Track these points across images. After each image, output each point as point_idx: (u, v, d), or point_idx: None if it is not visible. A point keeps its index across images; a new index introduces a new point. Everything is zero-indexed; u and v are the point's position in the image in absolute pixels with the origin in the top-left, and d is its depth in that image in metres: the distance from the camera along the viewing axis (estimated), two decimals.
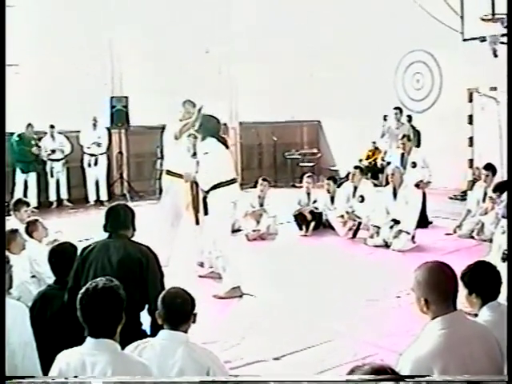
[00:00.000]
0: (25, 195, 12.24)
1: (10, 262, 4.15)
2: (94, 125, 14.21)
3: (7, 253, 4.61)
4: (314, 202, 11.20)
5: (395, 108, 14.29)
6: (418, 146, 13.18)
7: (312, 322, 6.58)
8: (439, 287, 3.20)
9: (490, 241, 8.44)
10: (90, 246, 4.83)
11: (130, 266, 4.64)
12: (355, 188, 10.86)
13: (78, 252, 4.84)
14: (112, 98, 14.70)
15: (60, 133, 13.98)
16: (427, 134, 14.17)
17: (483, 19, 11.08)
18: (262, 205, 11.01)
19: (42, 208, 12.79)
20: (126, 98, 14.77)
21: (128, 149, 15.40)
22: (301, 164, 17.26)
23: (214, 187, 7.41)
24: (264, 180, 11.26)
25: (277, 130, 17.54)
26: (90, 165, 14.28)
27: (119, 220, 4.90)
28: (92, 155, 14.26)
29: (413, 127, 14.19)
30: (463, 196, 12.91)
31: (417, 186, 10.76)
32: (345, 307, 7.03)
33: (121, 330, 3.42)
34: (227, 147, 7.82)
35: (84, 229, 9.66)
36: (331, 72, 16.80)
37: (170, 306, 3.72)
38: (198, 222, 8.35)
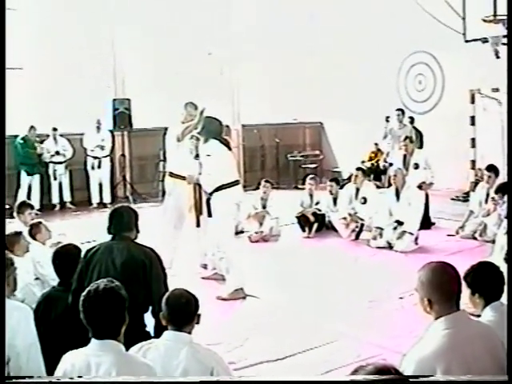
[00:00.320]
0: (28, 198, 12.25)
1: (14, 264, 4.16)
2: (98, 128, 14.24)
3: (11, 255, 4.61)
4: (317, 203, 11.20)
5: (397, 109, 14.28)
6: (421, 147, 13.17)
7: (315, 323, 6.58)
8: (442, 287, 3.21)
9: (493, 242, 8.45)
10: (93, 248, 4.85)
11: (133, 268, 4.66)
12: (358, 189, 10.86)
13: (82, 254, 4.86)
14: (114, 100, 14.71)
15: (62, 135, 14.00)
16: (429, 135, 14.15)
17: (485, 20, 11.09)
18: (264, 207, 11.02)
19: (45, 210, 12.78)
20: (129, 100, 14.78)
21: (131, 151, 15.42)
22: (303, 166, 17.27)
23: (217, 189, 7.43)
24: (267, 182, 11.27)
25: (279, 131, 17.56)
26: (93, 167, 14.32)
27: (123, 222, 4.91)
28: (95, 158, 14.29)
29: (415, 128, 14.17)
30: (466, 197, 12.90)
31: (419, 187, 10.76)
32: (348, 308, 7.04)
33: (125, 331, 3.43)
34: (230, 149, 7.84)
35: (87, 231, 9.68)
36: (333, 74, 16.81)
37: (174, 307, 3.74)
38: (198, 225, 8.36)
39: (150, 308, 4.67)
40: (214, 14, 16.55)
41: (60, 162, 13.94)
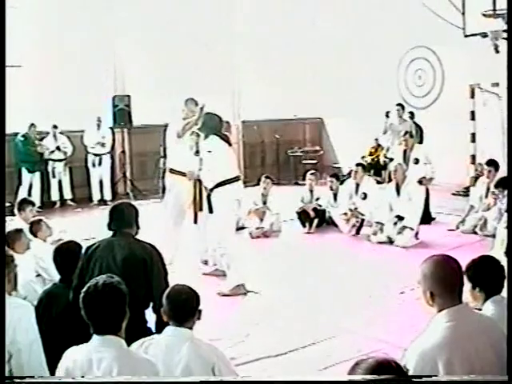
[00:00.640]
0: (29, 195, 12.25)
1: (15, 261, 4.17)
2: (98, 125, 14.24)
3: (12, 252, 4.62)
4: (317, 199, 11.21)
5: (397, 104, 14.30)
6: (421, 142, 13.18)
7: (316, 318, 6.60)
8: (445, 280, 3.22)
9: (493, 236, 8.46)
10: (94, 244, 4.85)
11: (134, 264, 4.66)
12: (358, 185, 10.88)
13: (83, 250, 4.86)
14: (114, 97, 14.69)
15: (62, 133, 14.00)
16: (429, 130, 14.16)
17: (484, 15, 11.08)
18: (265, 202, 11.02)
19: (45, 208, 12.80)
20: (129, 97, 14.77)
21: (131, 148, 15.41)
22: (303, 161, 17.25)
23: (218, 185, 7.44)
24: (267, 178, 11.27)
25: (279, 127, 17.54)
26: (94, 165, 14.31)
27: (123, 218, 4.92)
28: (96, 155, 14.29)
29: (415, 124, 14.18)
30: (466, 192, 12.90)
31: (419, 182, 10.76)
32: (349, 303, 7.06)
33: (126, 327, 3.44)
34: (230, 144, 7.84)
35: (88, 228, 9.69)
36: (333, 69, 16.81)
37: (175, 303, 3.74)
38: (196, 221, 8.36)
39: (151, 304, 4.68)
40: (215, 10, 16.52)
41: (59, 160, 13.93)
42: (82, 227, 10.28)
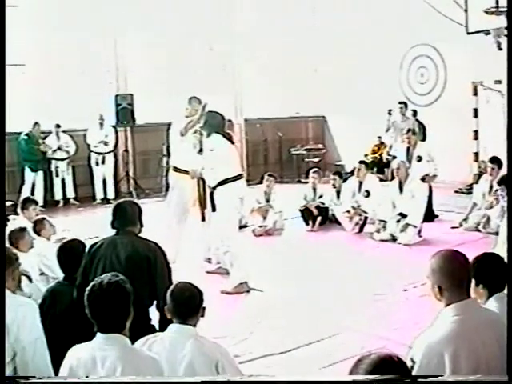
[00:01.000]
0: (32, 194, 12.27)
1: (19, 259, 4.18)
2: (101, 124, 14.26)
3: (16, 251, 4.63)
4: (320, 197, 11.21)
5: (400, 102, 14.30)
6: (424, 139, 13.17)
7: (319, 316, 6.60)
8: (453, 274, 3.25)
9: (496, 234, 8.47)
10: (97, 242, 4.86)
11: (138, 262, 4.67)
12: (361, 183, 10.88)
13: (86, 249, 4.87)
14: (117, 95, 14.71)
15: (65, 132, 14.02)
16: (432, 127, 14.14)
17: (487, 12, 11.08)
18: (268, 200, 11.02)
19: (48, 207, 12.83)
20: (131, 95, 14.78)
21: (134, 146, 15.42)
22: (306, 159, 17.25)
23: (221, 183, 7.44)
24: (270, 176, 11.27)
25: (282, 125, 17.54)
26: (97, 163, 14.34)
27: (126, 216, 4.92)
28: (99, 154, 14.31)
29: (418, 121, 14.17)
30: (469, 189, 12.90)
31: (422, 179, 10.76)
32: (352, 301, 7.06)
33: (130, 325, 3.44)
34: (232, 143, 7.85)
35: (91, 227, 9.70)
36: (335, 67, 16.81)
37: (179, 300, 3.75)
38: (204, 219, 8.38)
39: (155, 302, 4.68)
40: (217, 9, 16.53)
41: (62, 159, 13.96)
42: (85, 226, 10.31)
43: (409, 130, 11.44)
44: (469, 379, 2.92)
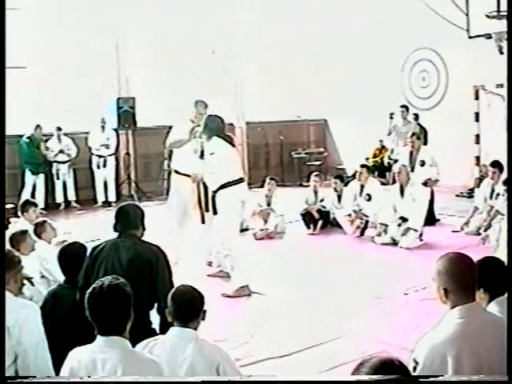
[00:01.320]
0: (33, 197, 12.27)
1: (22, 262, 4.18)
2: (103, 126, 14.26)
3: (17, 253, 4.63)
4: (322, 200, 11.21)
5: (401, 106, 14.29)
6: (425, 143, 13.16)
7: (320, 319, 6.60)
8: (459, 277, 3.26)
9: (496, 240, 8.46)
10: (100, 245, 4.87)
11: (139, 265, 4.67)
12: (362, 186, 10.88)
13: (88, 251, 4.88)
14: (119, 99, 14.71)
15: (66, 134, 14.03)
16: (434, 131, 14.14)
17: (488, 16, 11.08)
18: (269, 204, 11.03)
19: (49, 210, 12.84)
20: (133, 98, 14.79)
21: (135, 150, 15.42)
22: (308, 163, 17.27)
23: (222, 187, 7.45)
24: (271, 179, 11.28)
25: (283, 129, 17.55)
26: (98, 166, 14.34)
27: (129, 220, 4.93)
28: (101, 157, 14.32)
29: (419, 125, 14.17)
30: (470, 193, 12.90)
31: (425, 184, 10.77)
32: (353, 305, 7.05)
33: (131, 328, 3.45)
34: (233, 145, 7.85)
35: (92, 229, 9.71)
36: (337, 71, 16.81)
37: (180, 303, 3.75)
38: (203, 221, 8.38)
39: (156, 305, 4.69)
40: (218, 12, 16.55)
41: (63, 162, 13.96)
42: (86, 229, 10.30)
43: (413, 134, 11.45)
44: (469, 379, 2.93)
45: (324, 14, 16.90)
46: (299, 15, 16.87)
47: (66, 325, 4.39)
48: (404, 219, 9.85)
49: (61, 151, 13.84)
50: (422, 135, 13.31)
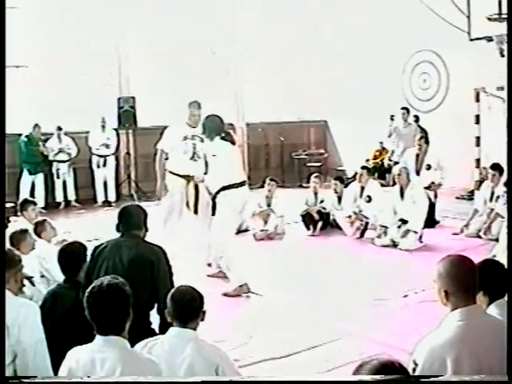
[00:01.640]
0: (32, 196, 12.25)
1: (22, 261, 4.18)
2: (103, 126, 14.26)
3: (17, 252, 4.63)
4: (322, 201, 11.20)
5: (402, 108, 14.30)
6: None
7: (319, 320, 6.59)
8: (459, 279, 3.26)
9: (497, 240, 8.46)
10: (102, 244, 4.89)
11: (140, 265, 4.68)
12: (362, 188, 10.87)
13: (88, 251, 4.89)
14: (119, 98, 14.72)
15: (66, 134, 14.02)
16: (434, 133, 14.13)
17: (489, 19, 11.09)
18: (269, 205, 11.03)
19: (49, 209, 12.84)
20: (134, 98, 14.79)
21: (135, 149, 15.41)
22: (308, 164, 17.27)
23: (224, 188, 7.45)
24: (271, 180, 11.28)
25: (284, 130, 17.54)
26: (98, 166, 14.34)
27: (132, 220, 4.95)
28: (101, 156, 14.32)
29: (420, 127, 14.17)
30: (470, 196, 12.90)
31: (428, 187, 10.80)
32: (352, 306, 7.04)
33: (130, 328, 3.45)
34: (234, 143, 7.83)
35: (92, 229, 9.71)
36: (337, 72, 16.81)
37: (179, 303, 3.76)
38: (196, 212, 8.40)
39: (156, 305, 4.69)
40: (218, 12, 16.56)
41: (63, 161, 13.96)
42: (86, 228, 10.30)
43: (421, 137, 11.47)
44: (469, 380, 2.93)
45: (324, 15, 16.91)
46: (299, 15, 16.88)
47: (66, 324, 4.38)
48: (404, 221, 9.85)
49: (61, 150, 13.84)
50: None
